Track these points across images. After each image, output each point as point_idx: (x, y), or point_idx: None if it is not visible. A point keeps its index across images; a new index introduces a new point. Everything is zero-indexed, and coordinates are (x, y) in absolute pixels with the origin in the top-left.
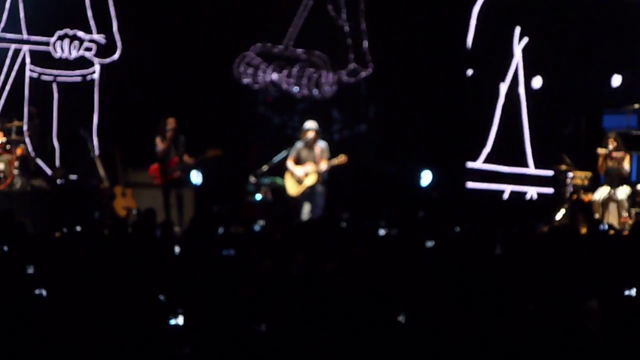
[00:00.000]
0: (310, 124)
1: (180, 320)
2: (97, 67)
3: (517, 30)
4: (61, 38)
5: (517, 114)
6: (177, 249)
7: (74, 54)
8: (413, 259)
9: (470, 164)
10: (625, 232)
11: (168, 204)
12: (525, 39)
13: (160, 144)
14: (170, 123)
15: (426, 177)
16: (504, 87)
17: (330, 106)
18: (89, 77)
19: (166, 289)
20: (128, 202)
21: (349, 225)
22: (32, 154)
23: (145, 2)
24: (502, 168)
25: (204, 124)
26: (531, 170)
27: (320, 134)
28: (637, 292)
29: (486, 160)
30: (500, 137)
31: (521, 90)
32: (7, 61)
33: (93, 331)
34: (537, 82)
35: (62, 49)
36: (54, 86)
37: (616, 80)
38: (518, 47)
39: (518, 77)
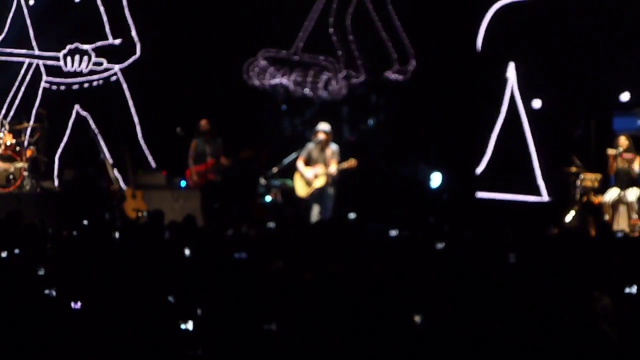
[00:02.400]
0: (323, 126)
1: (190, 325)
2: (117, 70)
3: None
4: (71, 53)
5: (521, 134)
6: (187, 252)
7: (84, 68)
8: (423, 261)
9: (479, 170)
10: (636, 234)
11: (207, 207)
12: (512, 65)
13: (192, 147)
14: (204, 125)
15: (436, 179)
16: (504, 107)
17: (341, 109)
18: (101, 82)
19: (176, 291)
20: (138, 204)
21: (359, 227)
22: (42, 156)
23: (156, 7)
24: (512, 197)
25: (217, 126)
26: (544, 198)
27: (332, 136)
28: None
29: (489, 167)
30: (505, 161)
31: (521, 111)
32: (22, 71)
33: (102, 333)
34: (536, 103)
35: (72, 64)
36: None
37: (625, 96)
38: (510, 71)
39: (515, 100)
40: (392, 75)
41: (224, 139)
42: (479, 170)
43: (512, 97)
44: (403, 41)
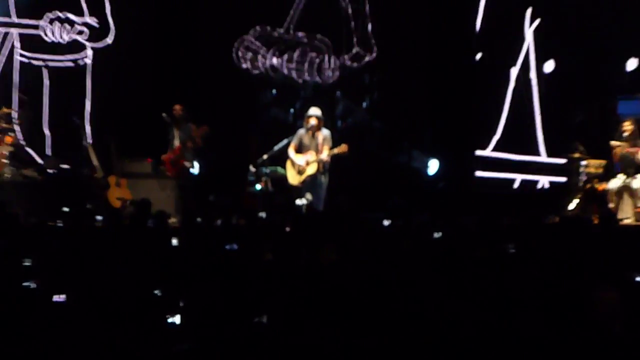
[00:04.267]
0: (314, 111)
1: (177, 318)
2: (89, 52)
3: (529, 12)
4: (52, 21)
5: (529, 100)
6: (174, 242)
7: (66, 38)
8: (419, 251)
9: (479, 152)
10: None
11: (186, 198)
12: (537, 21)
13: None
14: (176, 108)
15: (433, 166)
16: (514, 72)
17: (333, 93)
18: (81, 62)
19: (163, 283)
20: (122, 192)
21: (352, 215)
22: (23, 143)
23: None
24: (512, 156)
25: (202, 111)
26: (543, 158)
27: (324, 121)
28: None
29: (495, 149)
30: (510, 124)
31: (532, 75)
32: None
33: (86, 327)
34: (549, 66)
35: (53, 33)
36: (45, 72)
37: (631, 64)
38: (529, 30)
39: (529, 61)
40: (348, 62)
41: (210, 124)
42: (487, 149)
43: (522, 69)
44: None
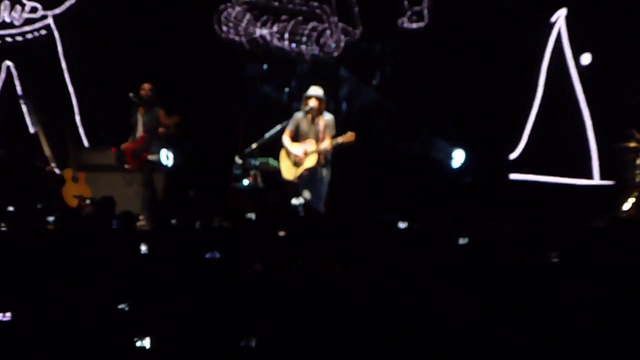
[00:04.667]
0: (314, 90)
1: (147, 342)
2: (50, 21)
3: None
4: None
5: (567, 89)
6: (143, 248)
7: (17, 18)
8: (441, 260)
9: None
10: None
11: (146, 195)
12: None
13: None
14: (145, 88)
15: (458, 158)
16: (547, 56)
17: (337, 68)
18: (36, 34)
19: (130, 298)
20: (80, 189)
21: (359, 217)
22: None
23: None
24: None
25: (179, 91)
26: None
27: (325, 103)
28: None
29: (528, 143)
30: (546, 117)
31: (570, 60)
32: None
33: (37, 351)
34: (586, 58)
35: (2, 14)
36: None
37: None
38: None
39: (563, 50)
40: (407, 24)
41: (188, 107)
42: (517, 149)
43: (556, 51)
44: None
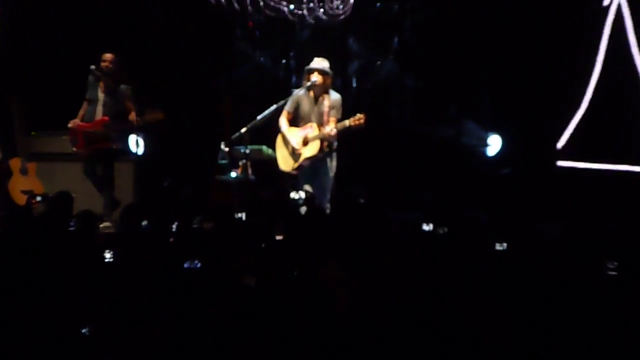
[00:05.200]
0: (317, 63)
1: None
2: None
3: None
4: None
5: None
6: (107, 256)
7: None
8: (473, 270)
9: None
10: None
11: (98, 186)
12: None
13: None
14: (107, 60)
15: (494, 144)
16: (605, 34)
17: (345, 36)
18: None
19: (92, 318)
20: (30, 183)
21: (372, 217)
22: None
23: None
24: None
25: (152, 63)
26: None
27: (331, 78)
28: None
29: (579, 132)
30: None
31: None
32: None
33: None
34: None
35: None
36: None
37: None
38: None
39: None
40: None
41: (167, 83)
42: (565, 134)
43: (615, 29)
44: None
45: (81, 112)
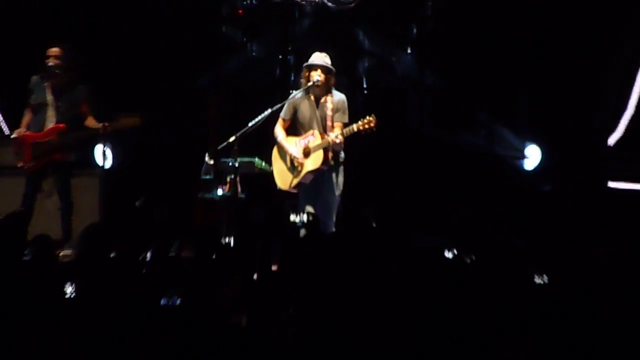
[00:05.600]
0: (319, 58)
1: None
2: None
3: None
4: None
5: None
6: (69, 290)
7: None
8: (507, 306)
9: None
10: None
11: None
12: None
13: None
14: (52, 54)
15: (532, 156)
16: None
17: (354, 26)
18: None
19: None
20: None
21: (386, 243)
22: None
23: None
24: None
25: (119, 57)
26: None
27: (335, 77)
28: None
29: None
30: None
31: None
32: None
33: None
34: None
35: None
36: None
37: None
38: None
39: None
40: None
41: (141, 82)
42: (612, 139)
43: None
44: None
45: (25, 120)
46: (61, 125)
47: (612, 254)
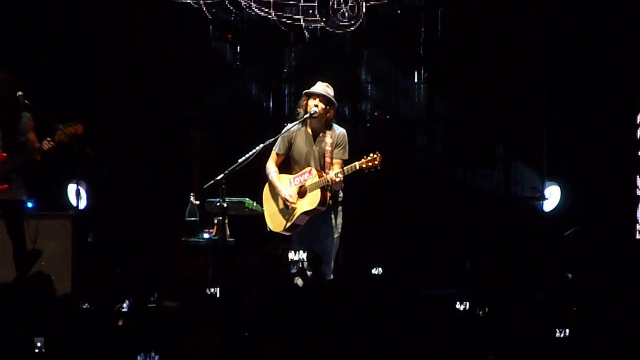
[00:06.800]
0: (318, 87)
1: None
2: None
3: None
4: None
5: None
6: (38, 344)
7: None
8: None
9: None
10: None
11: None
12: None
13: None
14: None
15: (553, 198)
16: None
17: (356, 52)
18: None
19: None
20: None
21: (391, 293)
22: None
23: None
24: None
25: (91, 85)
26: None
27: (335, 108)
28: None
29: None
30: None
31: None
32: None
33: None
34: None
35: None
36: None
37: None
38: None
39: None
40: None
41: (114, 109)
42: None
43: None
44: None
45: None
46: (3, 154)
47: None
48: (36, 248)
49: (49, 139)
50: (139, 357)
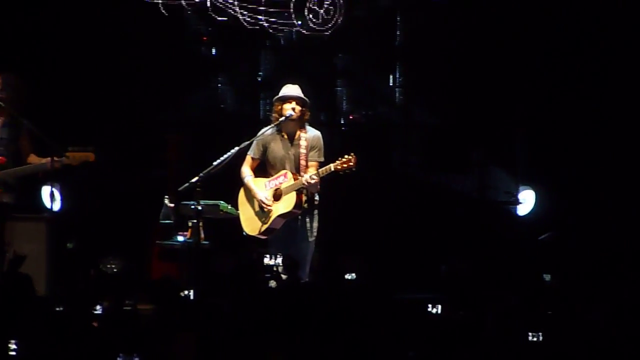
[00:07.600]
0: (292, 90)
1: None
2: None
3: None
4: None
5: None
6: (11, 347)
7: None
8: None
9: None
10: None
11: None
12: None
13: None
14: None
15: (527, 202)
16: None
17: (332, 55)
18: None
19: None
20: None
21: (366, 297)
22: None
23: None
24: None
25: (68, 88)
26: None
27: (310, 111)
28: None
29: None
30: None
31: None
32: None
33: None
34: None
35: None
36: None
37: None
38: None
39: None
40: None
41: (95, 113)
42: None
43: None
44: None
45: None
46: (2, 158)
47: (613, 313)
48: (18, 253)
49: (56, 159)
50: (119, 359)
